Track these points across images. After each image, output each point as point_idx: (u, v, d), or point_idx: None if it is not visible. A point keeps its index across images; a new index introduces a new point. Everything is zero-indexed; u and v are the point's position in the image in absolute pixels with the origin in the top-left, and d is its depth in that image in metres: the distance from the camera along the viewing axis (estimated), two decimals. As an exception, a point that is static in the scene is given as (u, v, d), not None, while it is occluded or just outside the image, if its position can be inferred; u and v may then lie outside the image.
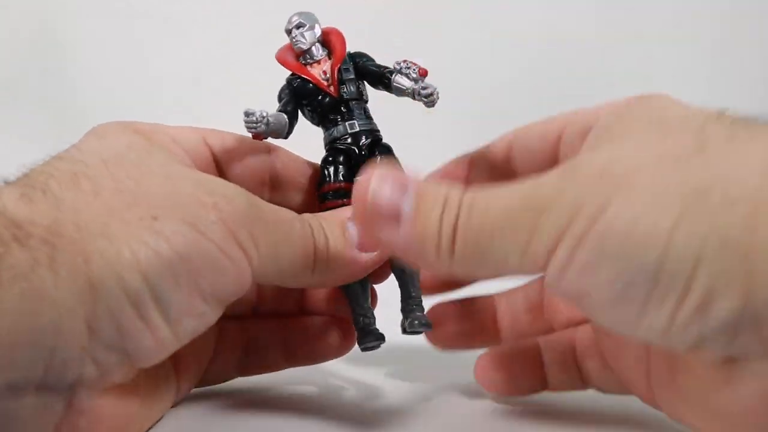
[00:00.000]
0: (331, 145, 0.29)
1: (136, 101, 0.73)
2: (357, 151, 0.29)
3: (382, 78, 0.29)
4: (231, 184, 0.24)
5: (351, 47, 0.30)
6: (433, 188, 0.22)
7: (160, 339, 0.21)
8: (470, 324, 0.31)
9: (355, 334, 0.28)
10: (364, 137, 0.29)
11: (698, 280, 0.17)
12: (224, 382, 0.31)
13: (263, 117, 0.27)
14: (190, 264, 0.21)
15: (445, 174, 0.31)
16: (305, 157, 0.31)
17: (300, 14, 0.30)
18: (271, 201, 0.30)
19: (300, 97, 0.29)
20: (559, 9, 0.76)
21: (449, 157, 0.32)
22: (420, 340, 0.31)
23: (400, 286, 0.29)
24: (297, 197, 0.30)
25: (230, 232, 0.22)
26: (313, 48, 0.30)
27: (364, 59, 0.30)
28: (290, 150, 0.31)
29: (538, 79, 0.73)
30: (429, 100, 0.28)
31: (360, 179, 0.23)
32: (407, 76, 0.29)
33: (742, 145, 0.19)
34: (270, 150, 0.30)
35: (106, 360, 0.21)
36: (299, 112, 0.30)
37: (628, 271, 0.18)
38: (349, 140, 0.29)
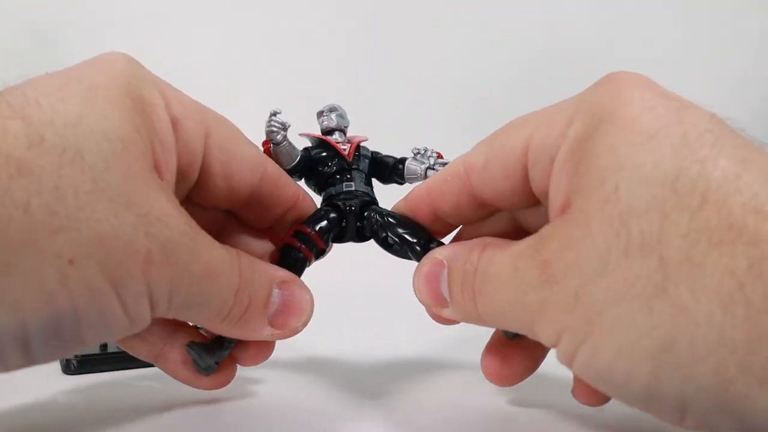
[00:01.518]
0: (328, 201, 0.30)
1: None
2: (348, 207, 0.30)
3: (396, 165, 0.32)
4: (181, 220, 0.22)
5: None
6: (455, 258, 0.25)
7: (7, 366, 0.21)
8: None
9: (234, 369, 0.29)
10: (357, 198, 0.30)
11: (690, 415, 0.19)
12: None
13: (287, 126, 0.29)
14: (81, 320, 0.20)
15: (410, 208, 0.29)
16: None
17: (336, 104, 0.32)
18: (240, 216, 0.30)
19: (315, 162, 0.31)
20: (559, 8, 0.76)
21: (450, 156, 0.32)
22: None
23: None
24: (270, 206, 0.29)
25: (147, 290, 0.21)
26: (337, 133, 0.32)
27: (381, 153, 0.32)
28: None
29: (538, 79, 0.73)
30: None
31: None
32: (423, 156, 0.31)
33: (698, 278, 0.18)
34: (266, 162, 0.29)
35: None
36: (304, 179, 0.31)
37: (621, 393, 0.20)
38: (343, 196, 0.30)
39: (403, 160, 0.31)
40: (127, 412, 0.28)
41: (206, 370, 0.28)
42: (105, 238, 0.20)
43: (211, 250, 0.23)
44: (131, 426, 0.27)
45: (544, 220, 0.23)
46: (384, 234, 0.29)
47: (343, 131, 0.32)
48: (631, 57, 0.75)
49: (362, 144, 0.32)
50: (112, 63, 0.23)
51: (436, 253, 0.26)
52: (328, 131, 0.32)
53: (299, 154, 0.30)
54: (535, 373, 0.29)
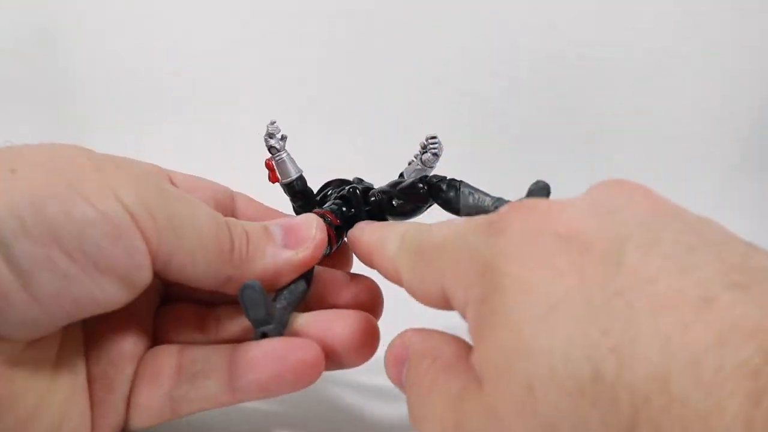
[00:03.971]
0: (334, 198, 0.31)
1: (136, 101, 0.73)
2: (350, 189, 0.30)
3: (398, 179, 0.31)
4: (131, 159, 0.22)
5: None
6: (411, 364, 0.22)
7: (2, 288, 0.19)
8: None
9: (319, 351, 0.24)
10: (360, 185, 0.31)
11: None
12: (159, 420, 0.24)
13: (285, 136, 0.29)
14: (45, 212, 0.19)
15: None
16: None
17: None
18: None
19: (319, 193, 0.32)
20: (558, 10, 0.76)
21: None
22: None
23: None
24: None
25: (110, 189, 0.20)
26: None
27: None
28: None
29: (538, 82, 0.73)
30: (433, 142, 0.30)
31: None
32: (415, 158, 0.31)
33: None
34: (232, 192, 0.30)
35: None
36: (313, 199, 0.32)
37: None
38: (346, 187, 0.30)
39: (401, 174, 0.31)
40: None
41: (269, 321, 0.24)
42: (45, 155, 0.21)
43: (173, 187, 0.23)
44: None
45: None
46: (390, 198, 0.29)
47: None
48: (631, 57, 0.75)
49: None
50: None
51: (406, 337, 0.23)
52: None
53: (300, 171, 0.30)
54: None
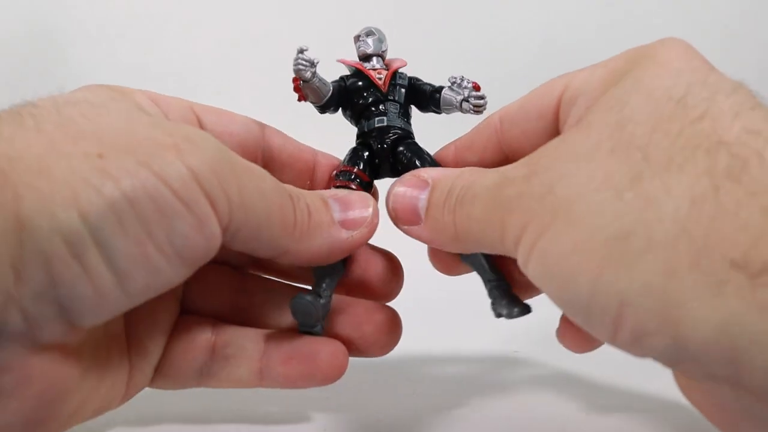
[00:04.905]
0: (362, 139, 0.30)
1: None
2: (379, 145, 0.29)
3: (433, 94, 0.30)
4: (198, 129, 0.22)
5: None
6: (443, 178, 0.24)
7: (102, 289, 0.19)
8: None
9: (346, 354, 0.26)
10: (390, 133, 0.29)
11: (626, 320, 0.17)
12: (182, 387, 0.26)
13: (315, 62, 0.28)
14: (139, 207, 0.18)
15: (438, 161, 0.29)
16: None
17: (373, 27, 0.31)
18: None
19: (349, 92, 0.30)
20: (559, 7, 0.76)
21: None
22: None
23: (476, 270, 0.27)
24: (289, 179, 0.29)
25: (192, 174, 0.19)
26: (375, 58, 0.30)
27: (420, 80, 0.31)
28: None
29: (540, 77, 0.73)
30: (478, 104, 0.29)
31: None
32: (459, 86, 0.29)
33: (675, 175, 0.18)
34: (263, 128, 0.29)
35: (37, 311, 0.18)
36: (340, 109, 0.30)
37: (565, 294, 0.19)
38: (375, 134, 0.29)
39: (440, 89, 0.30)
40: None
41: (316, 326, 0.26)
42: (125, 133, 0.20)
43: (240, 157, 0.22)
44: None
45: None
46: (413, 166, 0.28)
47: (381, 56, 0.31)
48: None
49: (400, 70, 0.30)
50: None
51: (422, 173, 0.26)
52: (365, 57, 0.30)
53: (330, 89, 0.29)
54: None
